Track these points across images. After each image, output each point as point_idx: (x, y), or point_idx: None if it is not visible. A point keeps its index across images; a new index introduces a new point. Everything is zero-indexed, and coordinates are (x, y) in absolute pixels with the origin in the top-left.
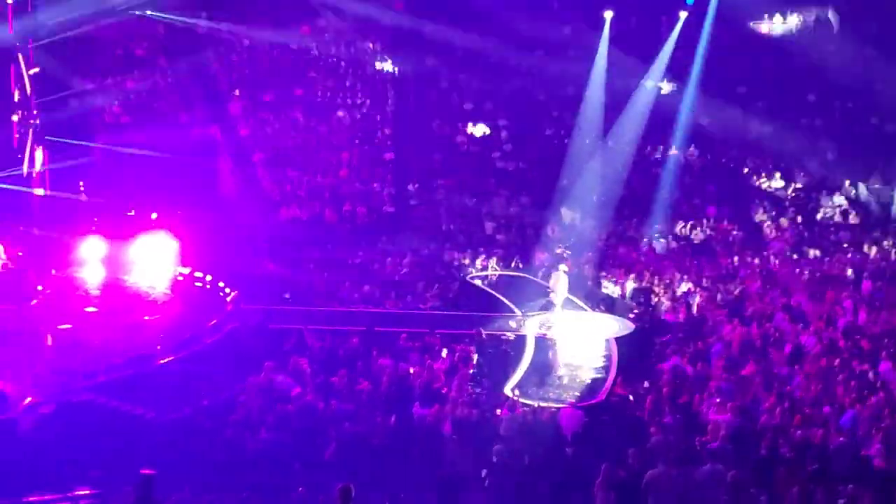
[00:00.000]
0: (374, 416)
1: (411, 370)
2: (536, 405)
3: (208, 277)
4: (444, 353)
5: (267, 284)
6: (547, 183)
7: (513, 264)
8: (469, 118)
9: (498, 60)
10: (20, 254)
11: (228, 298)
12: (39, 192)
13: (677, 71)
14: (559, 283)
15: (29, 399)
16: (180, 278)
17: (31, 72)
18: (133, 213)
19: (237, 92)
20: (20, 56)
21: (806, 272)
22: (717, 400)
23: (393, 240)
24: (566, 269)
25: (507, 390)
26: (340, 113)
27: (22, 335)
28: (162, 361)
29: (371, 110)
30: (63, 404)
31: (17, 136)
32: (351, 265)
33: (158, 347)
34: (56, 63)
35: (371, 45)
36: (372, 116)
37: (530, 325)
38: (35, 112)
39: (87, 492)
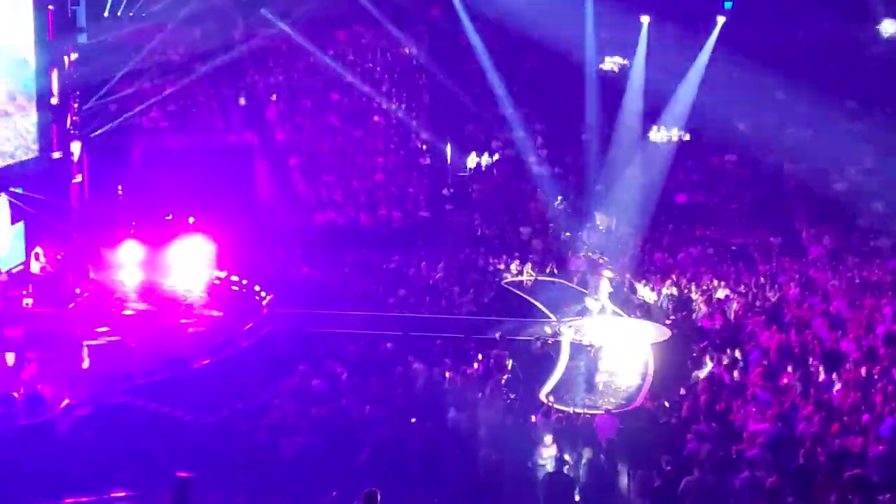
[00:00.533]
0: (408, 421)
1: (446, 375)
2: (571, 411)
3: (244, 281)
4: (479, 358)
5: (302, 288)
6: (583, 188)
7: (548, 270)
8: (505, 123)
9: (535, 65)
10: (59, 257)
11: (264, 302)
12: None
13: (714, 75)
14: (602, 288)
15: (66, 401)
16: (217, 282)
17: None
18: (170, 217)
19: (274, 97)
20: (66, 58)
21: (845, 279)
22: (753, 409)
23: (428, 244)
24: (611, 274)
25: (542, 396)
26: (376, 118)
27: (60, 338)
28: (198, 364)
29: (407, 115)
30: (100, 406)
31: (56, 129)
32: (386, 270)
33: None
34: (95, 68)
35: (407, 50)
36: (408, 121)
37: (565, 331)
38: (75, 105)
39: (124, 494)
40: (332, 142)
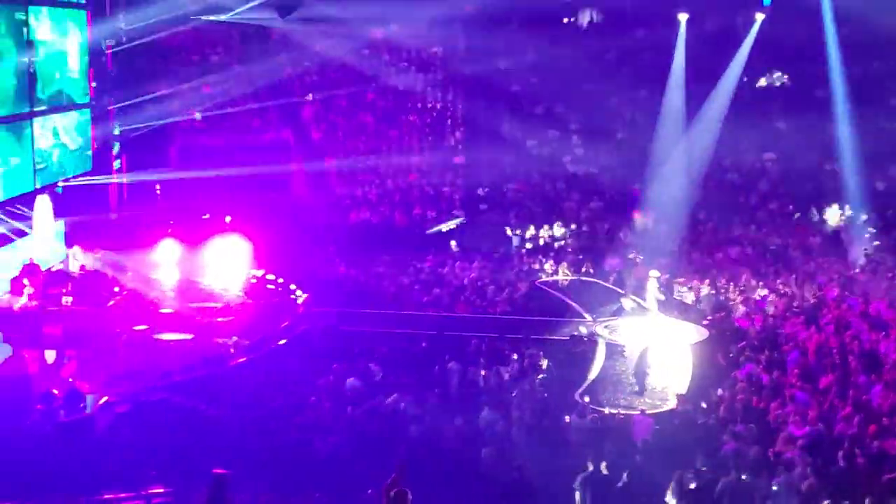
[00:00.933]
0: (443, 420)
1: (481, 374)
2: (606, 411)
3: (280, 280)
4: (514, 357)
5: (338, 287)
6: (619, 187)
7: (583, 269)
8: (540, 122)
9: (569, 64)
10: (98, 255)
11: (300, 301)
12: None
13: (754, 73)
14: (650, 289)
15: (105, 398)
16: (253, 281)
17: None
18: (208, 216)
19: (310, 96)
20: (105, 58)
21: (885, 279)
22: (791, 410)
23: (462, 243)
24: (658, 274)
25: (577, 396)
26: (411, 117)
27: (99, 336)
28: (235, 362)
29: (441, 114)
30: (138, 404)
31: (94, 129)
32: (420, 269)
33: (231, 349)
34: (133, 68)
35: (442, 49)
36: (442, 120)
37: (601, 331)
38: (114, 105)
39: (161, 490)
40: (367, 141)
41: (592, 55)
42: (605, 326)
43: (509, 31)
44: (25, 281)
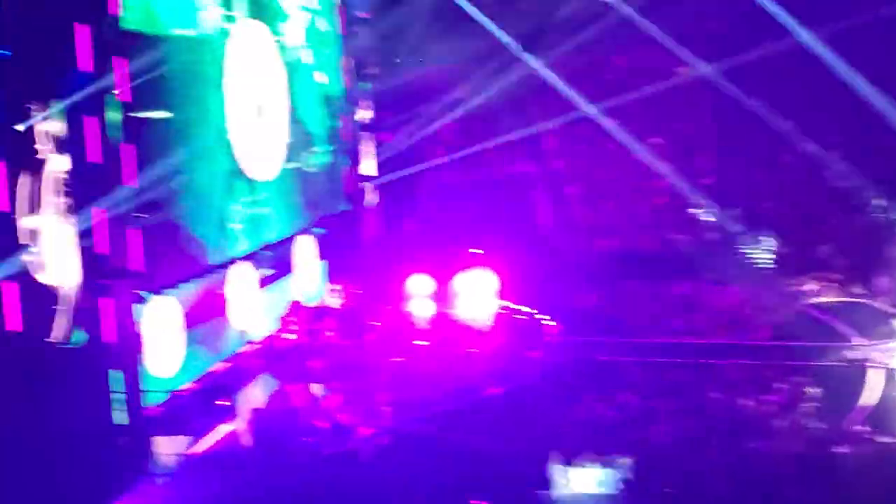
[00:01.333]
0: (705, 453)
1: (744, 404)
2: (885, 441)
3: (529, 310)
4: (779, 386)
5: (587, 316)
6: (887, 200)
7: (853, 290)
8: (793, 135)
9: (825, 71)
10: (356, 292)
11: (549, 331)
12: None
13: None
14: None
15: (367, 430)
16: (502, 311)
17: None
18: (457, 251)
19: (550, 125)
20: (359, 104)
21: None
22: None
23: (717, 267)
24: None
25: (851, 425)
26: (656, 140)
27: (359, 369)
28: (489, 393)
29: (688, 135)
30: (399, 435)
31: (349, 172)
32: (674, 294)
33: (485, 379)
34: (384, 111)
35: (686, 70)
36: (689, 141)
37: (876, 356)
38: (369, 149)
39: None
40: (611, 167)
41: (851, 60)
42: (880, 350)
43: (753, 44)
44: (291, 318)
